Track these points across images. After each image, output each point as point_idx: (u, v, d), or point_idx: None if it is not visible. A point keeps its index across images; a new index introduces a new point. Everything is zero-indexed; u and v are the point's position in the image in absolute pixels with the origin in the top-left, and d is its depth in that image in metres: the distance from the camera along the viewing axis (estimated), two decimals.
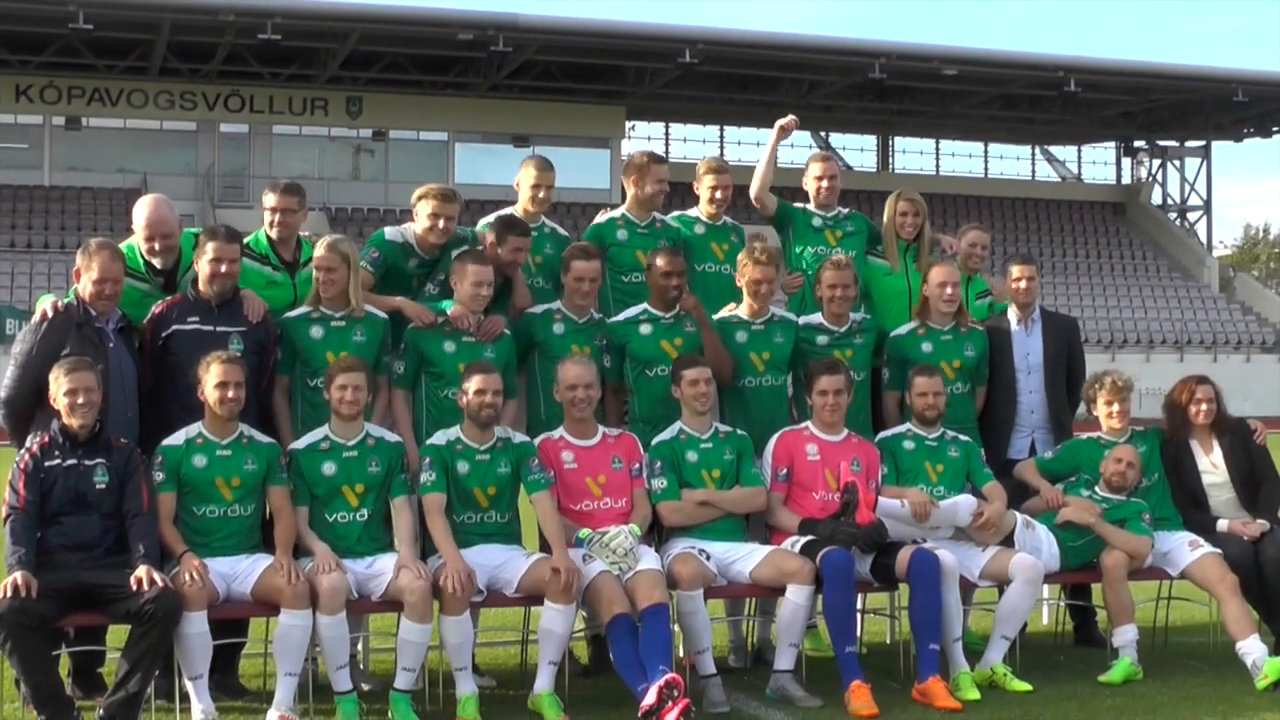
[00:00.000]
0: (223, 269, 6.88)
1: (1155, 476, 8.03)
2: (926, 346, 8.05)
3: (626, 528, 6.95)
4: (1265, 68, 62.98)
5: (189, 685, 6.28)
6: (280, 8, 37.73)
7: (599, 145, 46.47)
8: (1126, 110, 49.88)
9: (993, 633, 7.37)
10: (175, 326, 6.88)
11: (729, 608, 7.76)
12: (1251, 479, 7.97)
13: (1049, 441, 8.27)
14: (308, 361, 7.08)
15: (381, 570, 6.63)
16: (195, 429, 6.64)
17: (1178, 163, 55.26)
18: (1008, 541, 7.49)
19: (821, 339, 7.89)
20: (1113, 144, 56.06)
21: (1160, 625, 8.23)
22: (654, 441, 7.38)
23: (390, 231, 7.62)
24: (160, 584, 6.09)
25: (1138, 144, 55.59)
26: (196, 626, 6.20)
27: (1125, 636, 7.49)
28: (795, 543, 7.21)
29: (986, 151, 55.11)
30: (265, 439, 6.79)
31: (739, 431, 7.52)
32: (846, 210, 8.64)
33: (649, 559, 6.93)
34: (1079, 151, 56.38)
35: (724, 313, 7.83)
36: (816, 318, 7.97)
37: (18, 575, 5.99)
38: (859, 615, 7.56)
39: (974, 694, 6.96)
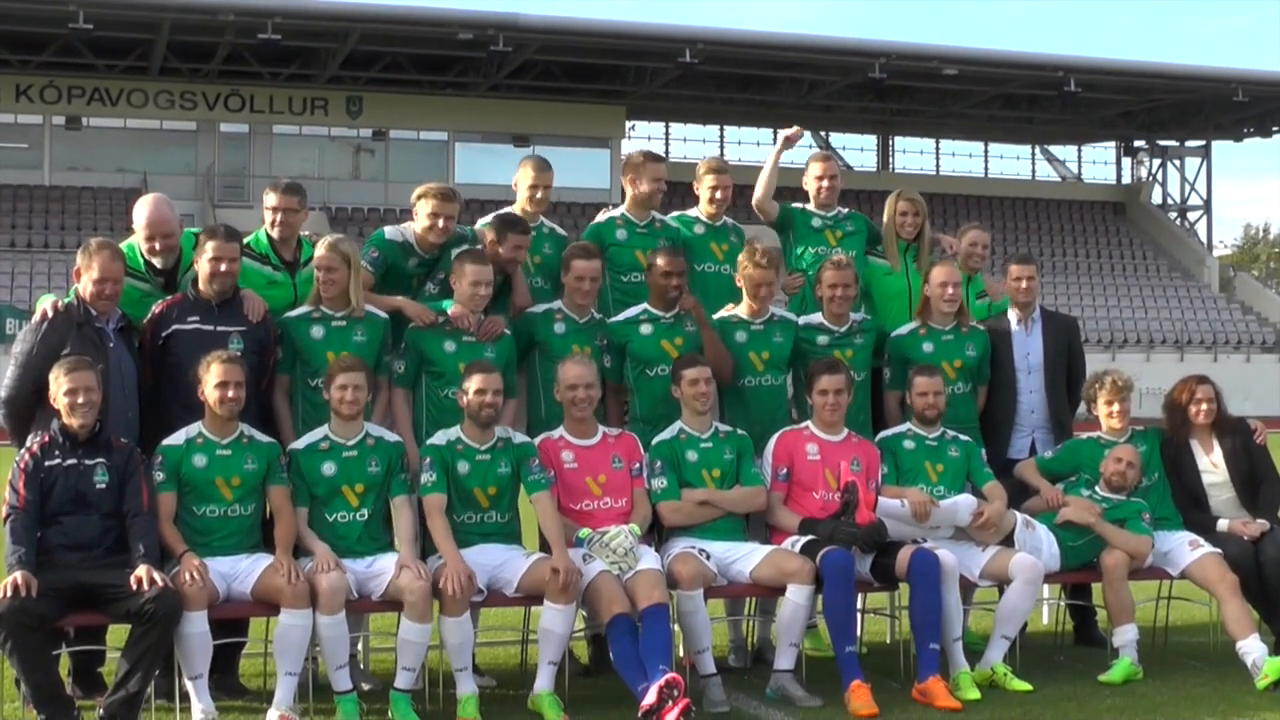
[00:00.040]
0: (222, 268, 6.88)
1: (1155, 476, 8.03)
2: (928, 346, 8.05)
3: (626, 527, 6.95)
4: (1265, 68, 63.08)
5: (189, 685, 6.28)
6: (280, 8, 37.74)
7: (599, 145, 46.49)
8: (1126, 110, 49.89)
9: (993, 632, 7.37)
10: (175, 326, 6.88)
11: (729, 607, 7.76)
12: (1251, 479, 7.97)
13: (1049, 441, 8.27)
14: (308, 361, 7.08)
15: (382, 570, 6.63)
16: (195, 429, 6.64)
17: (1178, 162, 55.28)
18: (1008, 541, 7.49)
19: (822, 339, 7.89)
20: (1113, 144, 56.08)
21: (1160, 625, 8.22)
22: (654, 441, 7.38)
23: (390, 231, 7.62)
24: (160, 583, 6.09)
25: (1138, 144, 55.61)
26: (196, 626, 6.20)
27: (1125, 636, 7.49)
28: (795, 542, 7.21)
29: (986, 151, 55.14)
30: (265, 438, 6.78)
31: (739, 431, 7.52)
32: (846, 210, 8.64)
33: (649, 559, 6.93)
34: (1079, 151, 56.41)
35: (723, 312, 7.83)
36: (817, 318, 7.97)
37: (18, 575, 5.99)
38: (859, 615, 7.56)
39: (974, 694, 6.96)
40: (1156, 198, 55.51)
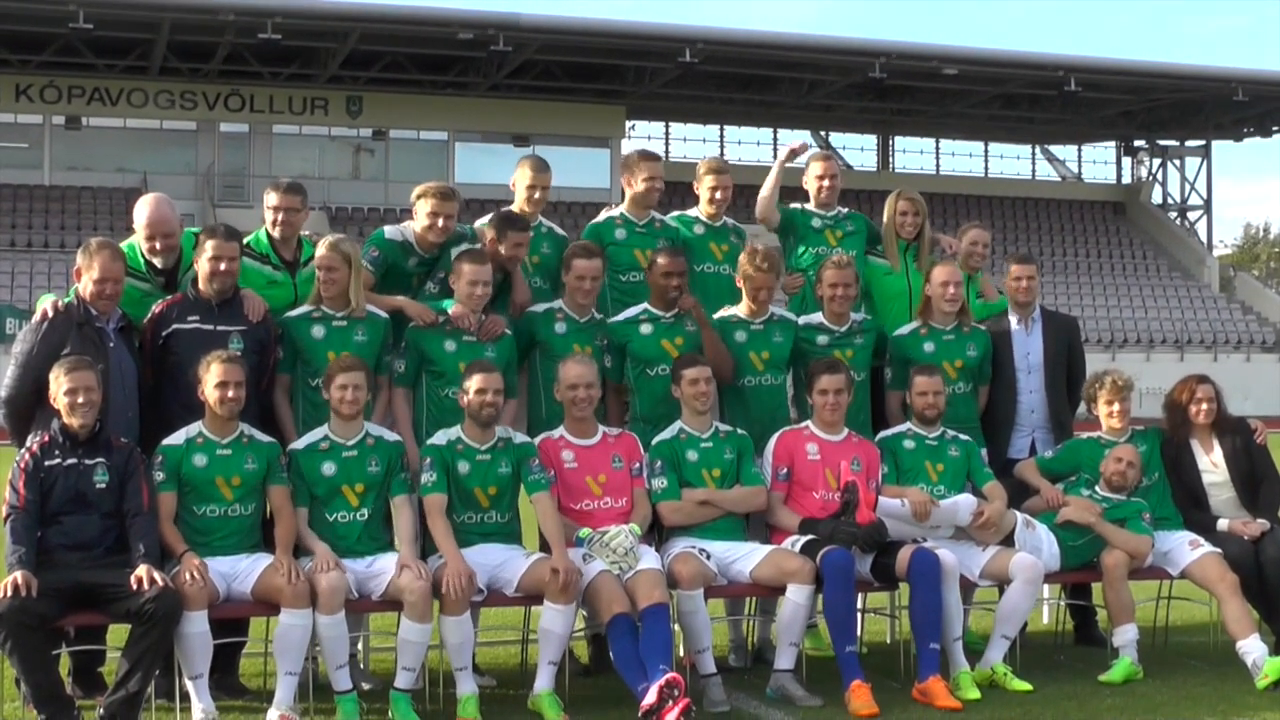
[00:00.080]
0: (222, 267, 6.88)
1: (1155, 476, 8.03)
2: (929, 346, 8.05)
3: (627, 527, 6.95)
4: (1265, 68, 62.91)
5: (189, 684, 6.28)
6: (280, 7, 37.74)
7: (599, 145, 46.48)
8: (1126, 110, 49.89)
9: (993, 632, 7.37)
10: (175, 325, 6.88)
11: (729, 607, 7.76)
12: (1252, 478, 7.97)
13: (1049, 441, 8.27)
14: (309, 361, 7.08)
15: (382, 570, 6.63)
16: (195, 428, 6.64)
17: (1178, 162, 55.27)
18: (1008, 541, 7.48)
19: (822, 339, 7.89)
20: (1113, 143, 56.09)
21: (1160, 625, 8.22)
22: (654, 441, 7.38)
23: (390, 230, 7.62)
24: (160, 583, 6.09)
25: (1138, 143, 55.61)
26: (197, 626, 6.20)
27: (1125, 636, 7.49)
28: (795, 542, 7.21)
29: (986, 151, 55.15)
30: (265, 438, 6.78)
31: (739, 431, 7.52)
32: (846, 210, 8.64)
33: (649, 558, 6.93)
34: (1079, 151, 56.41)
35: (723, 312, 7.83)
36: (817, 317, 7.97)
37: (18, 575, 5.99)
38: (859, 615, 7.56)
39: (974, 693, 6.96)
40: (1156, 197, 55.52)
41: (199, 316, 6.89)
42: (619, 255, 7.96)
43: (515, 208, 7.90)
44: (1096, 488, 7.81)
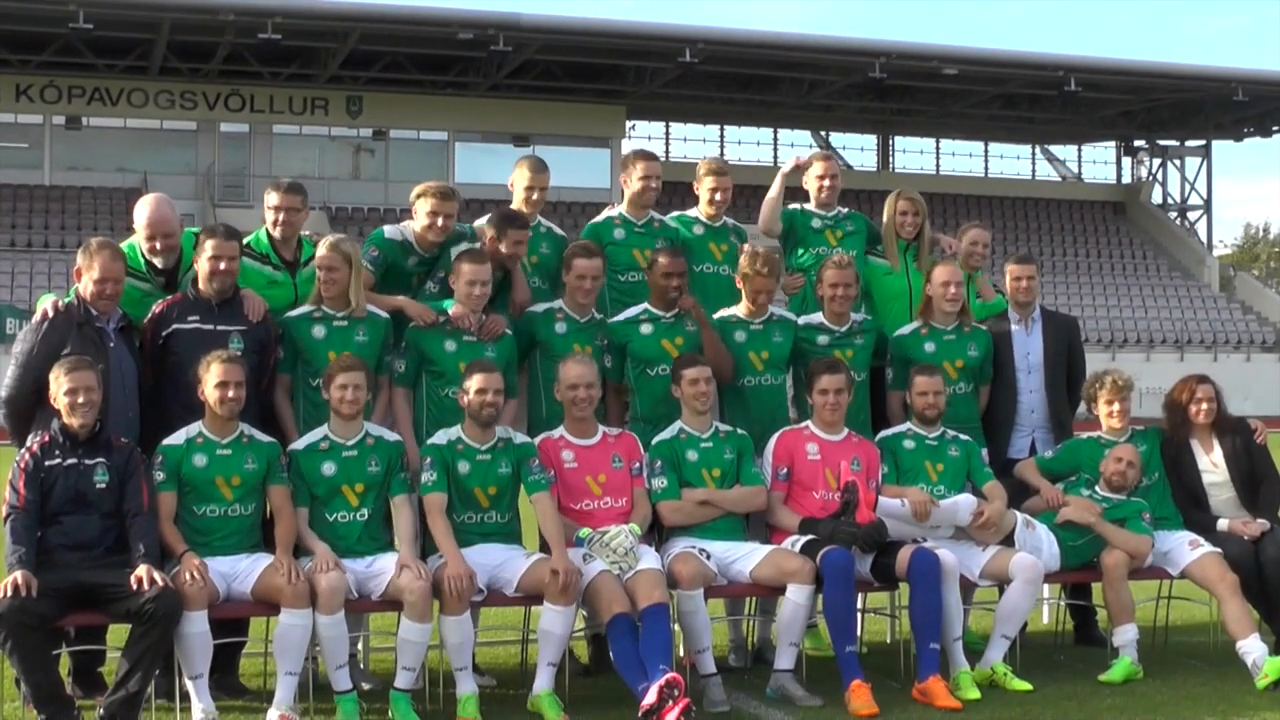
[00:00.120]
0: (221, 266, 6.88)
1: (1155, 476, 8.03)
2: (929, 346, 8.05)
3: (627, 527, 6.95)
4: (1265, 67, 62.92)
5: (189, 684, 6.28)
6: (280, 7, 37.74)
7: (599, 145, 46.48)
8: (1127, 110, 49.89)
9: (993, 632, 7.37)
10: (175, 325, 6.88)
11: (729, 607, 7.76)
12: (1252, 478, 7.97)
13: (1049, 441, 8.27)
14: (309, 361, 7.08)
15: (382, 570, 6.63)
16: (195, 428, 6.64)
17: (1178, 162, 55.27)
18: (1008, 541, 7.48)
19: (822, 339, 7.89)
20: (1113, 143, 56.09)
21: (1160, 625, 8.22)
22: (654, 441, 7.38)
23: (390, 230, 7.62)
24: (160, 583, 6.09)
25: (1138, 143, 55.62)
26: (197, 626, 6.20)
27: (1125, 636, 7.49)
28: (795, 542, 7.21)
29: (986, 151, 55.15)
30: (265, 438, 6.78)
31: (739, 431, 7.52)
32: (846, 210, 8.65)
33: (649, 558, 6.93)
34: (1079, 151, 56.41)
35: (723, 312, 7.83)
36: (817, 317, 7.97)
37: (18, 575, 5.99)
38: (859, 615, 7.56)
39: (974, 693, 6.96)
40: (1156, 197, 55.52)
41: (199, 316, 6.89)
42: (617, 255, 7.96)
43: (514, 208, 7.90)
44: (1096, 488, 7.81)
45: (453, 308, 7.23)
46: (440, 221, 7.40)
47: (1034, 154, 55.84)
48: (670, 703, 6.26)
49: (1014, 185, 54.69)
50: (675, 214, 8.34)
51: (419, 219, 7.45)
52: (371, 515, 6.81)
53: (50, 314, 6.73)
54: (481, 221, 7.77)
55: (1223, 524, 7.85)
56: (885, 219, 8.54)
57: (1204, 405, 8.01)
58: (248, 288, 7.08)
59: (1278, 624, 7.73)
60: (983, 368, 8.20)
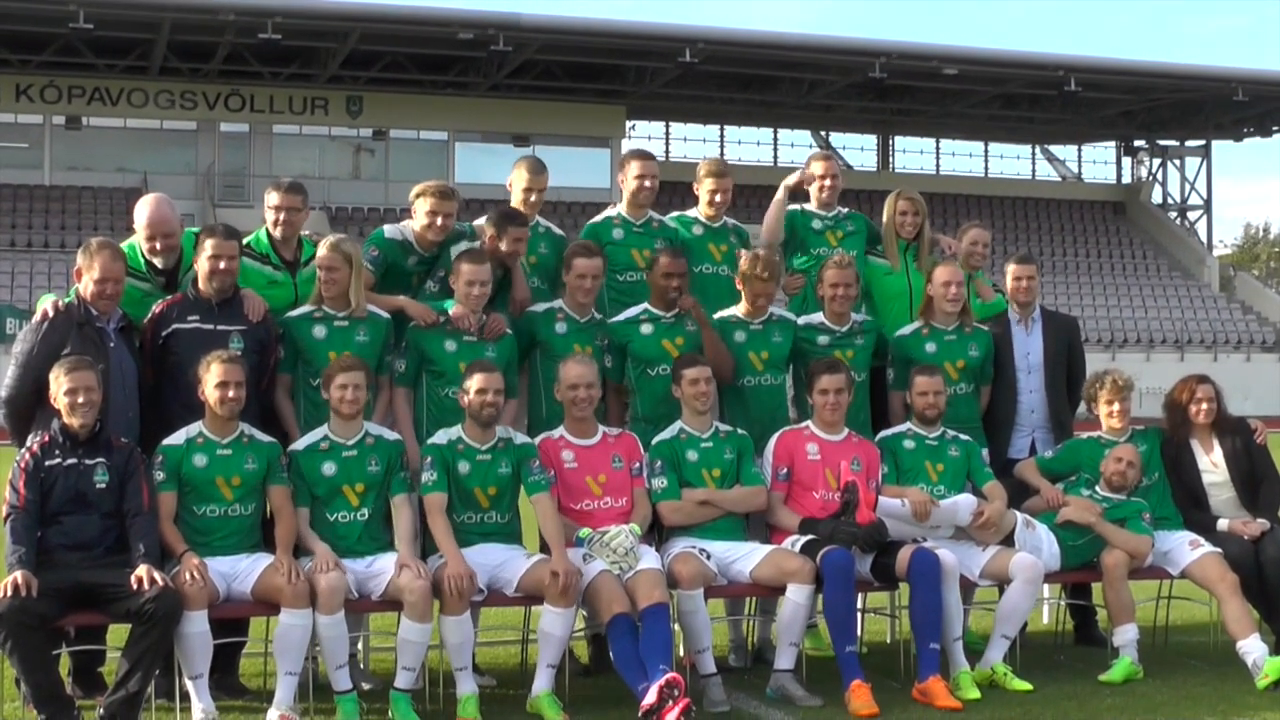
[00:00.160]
0: (221, 265, 6.88)
1: (1155, 476, 8.03)
2: (930, 347, 8.05)
3: (627, 527, 6.95)
4: (1265, 67, 62.90)
5: (189, 684, 6.28)
6: (280, 7, 37.73)
7: (599, 145, 46.46)
8: (1127, 110, 49.89)
9: (993, 632, 7.37)
10: (175, 325, 6.88)
11: (729, 607, 7.76)
12: (1252, 478, 7.97)
13: (1049, 441, 8.27)
14: (310, 361, 7.08)
15: (382, 570, 6.63)
16: (196, 428, 6.64)
17: (1178, 162, 55.27)
18: (1008, 541, 7.48)
19: (823, 339, 7.89)
20: (1113, 143, 56.08)
21: (1160, 625, 8.22)
22: (654, 441, 7.38)
23: (389, 230, 7.62)
24: (160, 583, 6.09)
25: (1138, 143, 55.61)
26: (197, 626, 6.20)
27: (1125, 636, 7.49)
28: (795, 542, 7.21)
29: (987, 151, 55.14)
30: (266, 438, 6.78)
31: (739, 431, 7.52)
32: (846, 210, 8.65)
33: (649, 558, 6.93)
34: (1079, 151, 56.41)
35: (723, 313, 7.83)
36: (818, 317, 7.97)
37: (18, 574, 5.99)
38: (859, 614, 7.56)
39: (974, 693, 6.96)
40: (1156, 197, 55.52)
41: (199, 316, 6.89)
42: (616, 255, 7.95)
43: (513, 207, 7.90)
44: (1096, 488, 7.81)
45: (453, 309, 7.23)
46: (439, 221, 7.40)
47: (1034, 154, 55.85)
48: (670, 703, 6.26)
49: (1014, 185, 54.69)
50: (675, 214, 8.34)
51: (418, 218, 7.45)
52: (372, 515, 6.81)
53: (50, 314, 6.73)
54: (481, 221, 7.77)
55: (1223, 524, 7.85)
56: (885, 219, 8.54)
57: (1204, 405, 8.01)
58: (248, 288, 7.08)
59: (1278, 624, 7.73)
60: (983, 368, 8.20)
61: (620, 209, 8.19)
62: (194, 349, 6.71)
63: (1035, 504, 7.81)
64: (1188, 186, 55.01)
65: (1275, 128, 52.29)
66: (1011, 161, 55.67)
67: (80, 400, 6.30)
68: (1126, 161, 56.40)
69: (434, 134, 46.23)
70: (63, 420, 6.35)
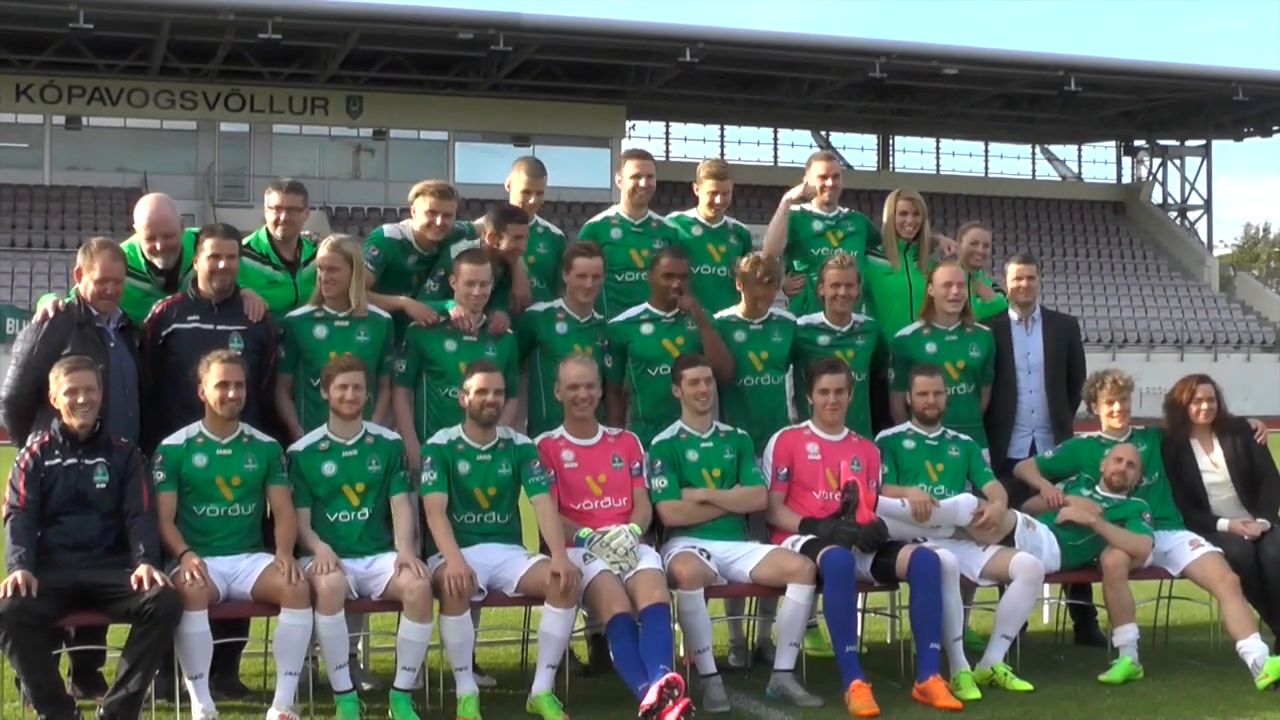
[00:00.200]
0: (221, 265, 6.88)
1: (1156, 476, 8.03)
2: (931, 347, 8.05)
3: (627, 527, 6.95)
4: (1265, 67, 62.91)
5: (189, 684, 6.28)
6: (280, 7, 37.74)
7: (599, 145, 46.45)
8: (1127, 109, 49.89)
9: (993, 632, 7.37)
10: (175, 325, 6.88)
11: (729, 607, 7.75)
12: (1252, 478, 7.97)
13: (1049, 441, 8.27)
14: (311, 361, 7.07)
15: (382, 570, 6.63)
16: (196, 428, 6.64)
17: (1178, 162, 55.27)
18: (1008, 541, 7.48)
19: (823, 339, 7.89)
20: (1113, 143, 56.09)
21: (1161, 625, 8.22)
22: (654, 441, 7.38)
23: (389, 229, 7.62)
24: (160, 583, 6.09)
25: (1138, 143, 55.62)
26: (197, 626, 6.20)
27: (1126, 636, 7.49)
28: (795, 542, 7.21)
29: (987, 151, 55.15)
30: (266, 438, 6.78)
31: (739, 431, 7.52)
32: (847, 210, 8.64)
33: (649, 558, 6.92)
34: (1079, 151, 56.40)
35: (723, 313, 7.83)
36: (818, 317, 7.97)
37: (18, 574, 5.98)
38: (859, 614, 7.56)
39: (974, 693, 6.96)
40: (1156, 197, 55.52)
41: (199, 316, 6.89)
42: (615, 255, 7.95)
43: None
44: (1096, 487, 7.81)
45: (453, 310, 7.23)
46: (439, 220, 7.40)
47: (1034, 154, 55.85)
48: (670, 703, 6.26)
49: (1014, 185, 54.69)
50: (674, 215, 8.34)
51: (418, 218, 7.45)
52: (372, 515, 6.80)
53: (50, 314, 6.73)
54: (481, 220, 7.76)
55: (1223, 524, 7.85)
56: (885, 219, 8.54)
57: (1204, 405, 8.01)
58: (248, 288, 7.08)
59: (1278, 624, 7.73)
60: (984, 368, 8.20)
61: (619, 209, 8.19)
62: (194, 349, 6.71)
63: (1035, 504, 7.81)
64: (1188, 186, 55.03)
65: (1275, 128, 52.30)
66: (1011, 161, 55.74)
67: (80, 400, 6.30)
68: (1126, 161, 56.43)
69: (434, 134, 46.24)
70: (63, 420, 6.35)
